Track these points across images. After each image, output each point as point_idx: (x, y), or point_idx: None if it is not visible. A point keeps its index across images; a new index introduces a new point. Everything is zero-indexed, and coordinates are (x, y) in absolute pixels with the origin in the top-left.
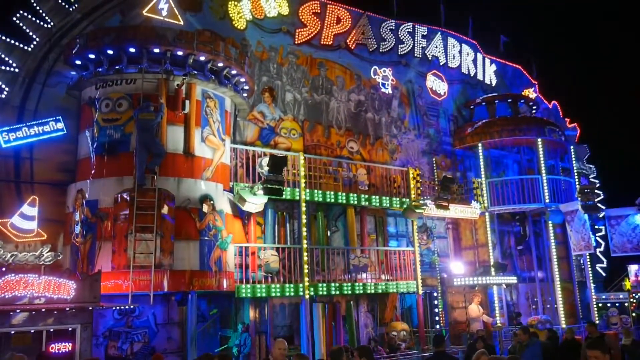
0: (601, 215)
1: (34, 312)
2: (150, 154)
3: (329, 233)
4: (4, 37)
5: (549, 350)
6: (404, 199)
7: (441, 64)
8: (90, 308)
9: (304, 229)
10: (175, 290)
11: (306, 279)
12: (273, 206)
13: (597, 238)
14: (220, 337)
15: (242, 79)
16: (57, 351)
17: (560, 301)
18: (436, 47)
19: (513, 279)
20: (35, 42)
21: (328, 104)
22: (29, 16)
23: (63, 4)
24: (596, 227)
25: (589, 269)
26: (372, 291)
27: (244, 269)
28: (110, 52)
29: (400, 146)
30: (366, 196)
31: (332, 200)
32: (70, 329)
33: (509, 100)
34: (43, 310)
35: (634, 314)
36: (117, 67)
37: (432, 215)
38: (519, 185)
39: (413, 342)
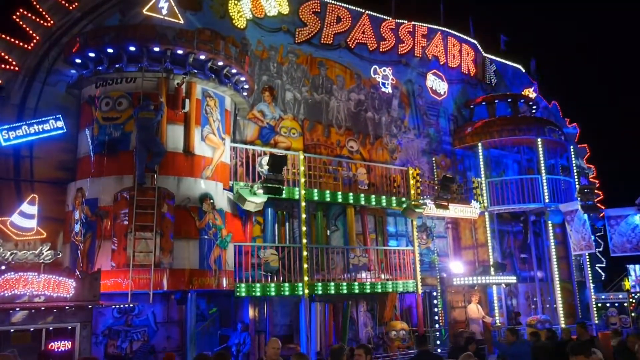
0: (601, 215)
1: (33, 311)
2: (150, 153)
3: (328, 232)
4: (4, 36)
5: (548, 350)
6: (403, 199)
7: (441, 63)
8: (90, 306)
9: (304, 228)
10: (174, 289)
11: (306, 278)
12: (273, 205)
13: (597, 238)
14: (220, 336)
15: (242, 78)
16: (56, 349)
17: (559, 301)
18: (436, 46)
19: (512, 279)
20: (35, 41)
21: (328, 103)
22: (29, 15)
23: (63, 2)
24: (595, 227)
25: (589, 269)
26: (372, 290)
27: (240, 267)
28: (110, 50)
29: (400, 146)
30: (366, 195)
31: (332, 200)
32: (69, 327)
33: (509, 100)
34: (42, 308)
35: (633, 314)
36: (117, 65)
37: (432, 214)
38: (518, 185)
39: (412, 341)
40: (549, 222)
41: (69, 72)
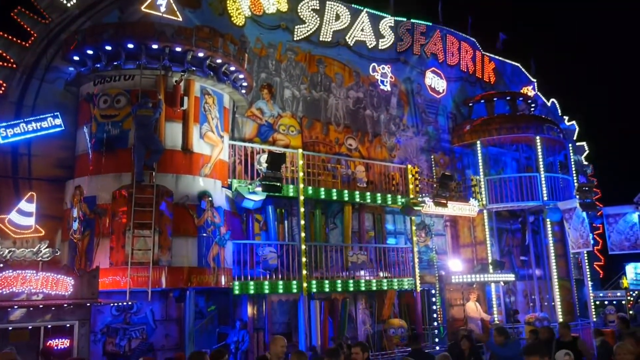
0: (599, 213)
1: (31, 308)
2: (148, 151)
3: (327, 230)
4: (1, 33)
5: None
6: (402, 197)
7: (440, 61)
8: (88, 304)
9: (302, 226)
10: (173, 286)
11: (304, 275)
12: (271, 203)
13: (595, 236)
14: (219, 334)
15: (241, 76)
16: (55, 347)
17: (557, 299)
18: (435, 44)
19: (511, 277)
20: (33, 38)
21: (327, 101)
22: (27, 12)
23: None
24: (594, 225)
25: (587, 266)
26: (370, 288)
27: (239, 265)
28: (108, 48)
29: (398, 143)
30: (364, 193)
31: (331, 198)
32: (68, 325)
33: (508, 98)
34: (41, 306)
35: (631, 312)
36: (115, 63)
37: (431, 212)
38: (517, 183)
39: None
40: (548, 220)
41: (67, 69)
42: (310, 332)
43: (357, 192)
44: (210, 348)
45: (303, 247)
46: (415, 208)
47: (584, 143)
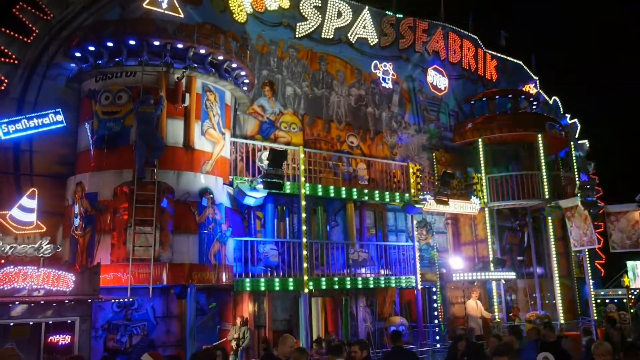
0: (600, 212)
1: (32, 304)
2: (149, 147)
3: (328, 227)
4: (3, 29)
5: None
6: (403, 194)
7: (442, 59)
8: (89, 301)
9: (304, 224)
10: (174, 283)
11: (305, 273)
12: (273, 200)
13: (596, 234)
14: (219, 331)
15: (243, 73)
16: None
17: (559, 297)
18: (437, 42)
19: (512, 275)
20: (35, 34)
21: (328, 98)
22: (29, 8)
23: None
24: (595, 223)
25: (588, 265)
26: (372, 286)
27: (240, 262)
28: (110, 44)
29: (400, 141)
30: (366, 191)
31: (332, 195)
32: (69, 321)
33: (510, 96)
34: (42, 302)
35: (632, 310)
36: (117, 59)
37: (432, 210)
38: (518, 181)
39: (412, 337)
40: (549, 218)
41: (69, 65)
42: (310, 329)
43: (358, 190)
44: (210, 344)
45: (304, 243)
46: (417, 206)
47: (585, 141)
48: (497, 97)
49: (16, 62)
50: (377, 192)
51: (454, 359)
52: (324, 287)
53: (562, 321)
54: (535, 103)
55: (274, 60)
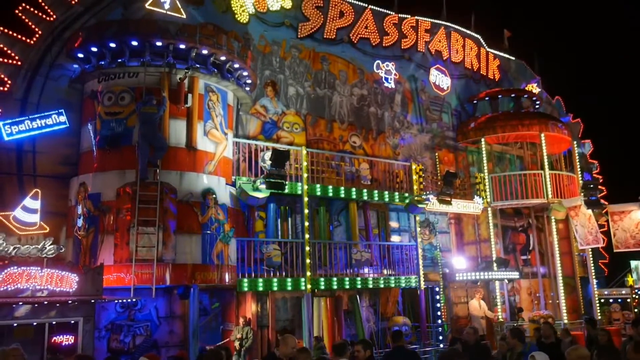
0: (604, 211)
1: (36, 305)
2: (152, 148)
3: (331, 227)
4: (6, 30)
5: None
6: (406, 194)
7: (444, 58)
8: (93, 301)
9: (306, 223)
10: (177, 283)
11: (308, 273)
12: (275, 200)
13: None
14: (222, 331)
15: (245, 73)
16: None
17: (562, 297)
18: (439, 41)
19: (515, 274)
20: (37, 35)
21: (331, 98)
22: (32, 9)
23: None
24: (598, 222)
25: (592, 264)
26: (374, 286)
27: (243, 262)
28: (112, 45)
29: (403, 141)
30: (369, 191)
31: (334, 195)
32: (72, 321)
33: (512, 95)
34: (45, 302)
35: (636, 310)
36: (119, 60)
37: (435, 210)
38: (521, 181)
39: (415, 337)
40: (552, 217)
41: (72, 66)
42: (313, 329)
43: (361, 190)
44: (213, 345)
45: (307, 243)
46: (420, 205)
47: (588, 141)
48: (499, 96)
49: (19, 63)
50: (378, 192)
51: None
52: (327, 287)
53: (566, 321)
54: (538, 102)
55: (276, 61)
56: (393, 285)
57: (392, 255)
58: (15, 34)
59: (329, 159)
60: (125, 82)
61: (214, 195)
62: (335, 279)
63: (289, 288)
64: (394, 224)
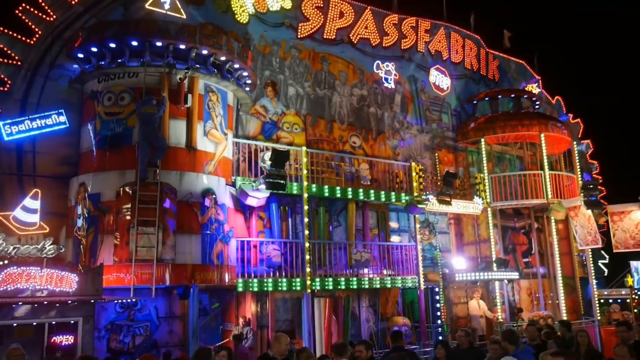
0: (604, 211)
1: (36, 305)
2: (152, 148)
3: (330, 228)
4: (6, 30)
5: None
6: (406, 194)
7: (444, 58)
8: (92, 301)
9: (306, 219)
10: (177, 284)
11: (308, 273)
12: (275, 200)
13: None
14: (222, 331)
15: (245, 73)
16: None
17: (562, 297)
18: (439, 41)
19: (515, 275)
20: (37, 35)
21: (330, 99)
22: (32, 9)
23: None
24: (598, 223)
25: (591, 265)
26: (374, 286)
27: (242, 262)
28: (112, 45)
29: (402, 141)
30: (368, 191)
31: (334, 195)
32: (72, 321)
33: (512, 96)
34: (45, 302)
35: (635, 310)
36: (119, 60)
37: (435, 210)
38: (521, 181)
39: (415, 337)
40: (552, 218)
41: (72, 66)
42: (313, 329)
43: (361, 190)
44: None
45: (307, 244)
46: (419, 206)
47: (588, 141)
48: (499, 96)
49: (19, 63)
50: (377, 192)
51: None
52: (326, 287)
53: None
54: (537, 102)
55: (276, 61)
56: (393, 285)
57: (392, 255)
58: (15, 34)
59: (328, 159)
60: (125, 82)
61: (213, 196)
62: (334, 279)
63: (289, 288)
64: (393, 224)
